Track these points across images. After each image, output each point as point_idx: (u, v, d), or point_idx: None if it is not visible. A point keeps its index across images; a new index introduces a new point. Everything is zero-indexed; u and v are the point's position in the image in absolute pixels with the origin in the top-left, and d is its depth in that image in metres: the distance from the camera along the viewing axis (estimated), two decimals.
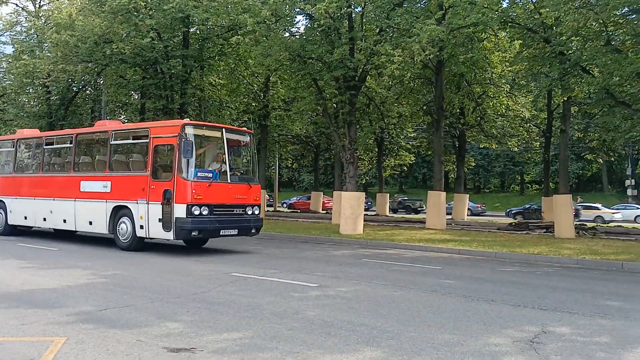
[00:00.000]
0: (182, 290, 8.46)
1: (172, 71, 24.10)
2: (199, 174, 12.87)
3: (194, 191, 12.52)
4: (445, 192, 23.96)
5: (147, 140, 13.59)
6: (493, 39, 26.47)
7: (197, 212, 12.51)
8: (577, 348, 5.63)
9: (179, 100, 24.41)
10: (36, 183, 16.80)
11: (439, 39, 16.67)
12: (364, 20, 20.83)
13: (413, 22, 17.31)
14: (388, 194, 41.35)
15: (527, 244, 17.25)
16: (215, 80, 29.50)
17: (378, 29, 21.22)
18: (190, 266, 11.36)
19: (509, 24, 18.02)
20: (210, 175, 13.09)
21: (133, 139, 14.84)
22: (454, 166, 35.11)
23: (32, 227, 17.34)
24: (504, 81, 29.85)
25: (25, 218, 16.84)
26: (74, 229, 15.47)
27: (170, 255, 13.18)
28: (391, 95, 30.64)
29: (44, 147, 16.88)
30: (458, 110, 31.43)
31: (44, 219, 16.13)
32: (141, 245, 13.68)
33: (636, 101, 19.23)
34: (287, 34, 21.89)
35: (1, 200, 17.80)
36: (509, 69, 27.95)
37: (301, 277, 9.94)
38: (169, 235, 12.71)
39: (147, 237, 13.31)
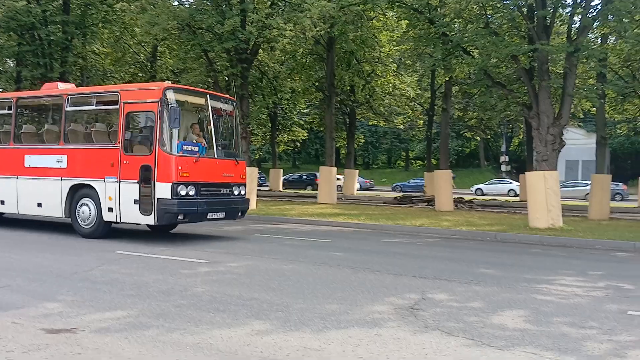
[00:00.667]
0: (64, 269, 8.04)
1: (51, 38, 22.55)
2: (184, 148, 10.91)
3: (179, 168, 10.62)
4: (336, 168, 24.47)
5: (117, 107, 11.35)
6: (382, 18, 27.11)
7: (183, 193, 10.62)
8: (452, 313, 6.02)
9: (59, 69, 22.92)
10: None
11: (330, 15, 16.82)
12: None
13: None
14: (282, 170, 41.58)
15: (410, 216, 18.09)
16: (98, 49, 27.98)
17: (270, 2, 21.02)
18: (72, 243, 10.81)
19: (396, 4, 18.53)
20: (196, 149, 11.15)
21: (96, 105, 12.49)
22: (345, 142, 35.91)
23: None
24: (391, 60, 30.78)
25: None
26: (16, 212, 12.89)
27: (61, 232, 12.44)
28: (284, 70, 30.60)
29: None
30: (348, 88, 32.07)
31: None
32: (107, 230, 11.56)
33: (510, 82, 20.60)
34: (175, 3, 21.14)
35: None
36: (396, 48, 28.83)
37: (191, 254, 9.79)
38: (149, 220, 10.80)
39: (119, 221, 11.24)
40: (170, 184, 10.53)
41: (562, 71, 16.91)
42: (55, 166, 11.97)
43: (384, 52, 29.66)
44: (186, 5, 21.15)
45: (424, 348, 4.75)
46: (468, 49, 17.96)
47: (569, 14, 16.51)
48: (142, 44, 29.62)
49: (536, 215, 15.10)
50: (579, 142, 49.59)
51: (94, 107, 12.63)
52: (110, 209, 11.16)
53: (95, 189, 11.38)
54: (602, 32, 20.28)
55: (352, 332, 5.16)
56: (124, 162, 11.01)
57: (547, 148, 15.25)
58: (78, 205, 11.66)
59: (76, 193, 11.72)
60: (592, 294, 7.31)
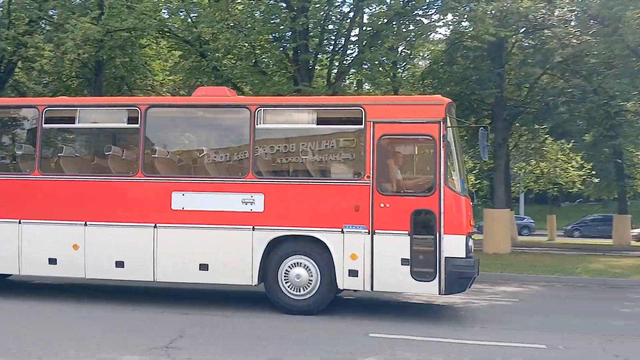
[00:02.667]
0: None
1: None
2: (465, 186, 8.38)
3: (469, 214, 8.15)
4: None
5: (360, 127, 8.23)
6: (155, 47, 26.72)
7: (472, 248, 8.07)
8: (210, 349, 6.05)
9: None
10: (30, 192, 8.99)
11: (95, 38, 16.08)
12: (12, 6, 18.72)
13: (68, 18, 16.34)
14: None
15: None
16: None
17: (28, 20, 19.36)
18: None
19: (167, 34, 18.47)
20: (465, 186, 8.71)
21: (318, 124, 8.74)
22: None
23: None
24: (165, 89, 30.35)
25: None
26: (152, 278, 8.52)
27: None
28: (46, 92, 28.20)
29: (43, 125, 9.03)
30: None
31: (52, 261, 8.67)
32: (328, 301, 8.25)
33: None
34: None
35: None
36: (170, 78, 28.57)
37: None
38: (430, 287, 7.86)
39: (368, 289, 8.04)
40: (464, 236, 7.87)
41: None
42: (241, 209, 8.37)
43: (157, 80, 29.14)
44: None
45: None
46: (239, 85, 18.56)
47: (329, 60, 18.07)
48: None
49: None
50: None
51: (311, 126, 8.88)
52: (353, 272, 8.05)
53: (323, 243, 8.16)
54: (357, 78, 22.56)
55: None
56: (381, 204, 8.05)
57: None
58: (283, 268, 8.22)
59: (276, 249, 8.31)
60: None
